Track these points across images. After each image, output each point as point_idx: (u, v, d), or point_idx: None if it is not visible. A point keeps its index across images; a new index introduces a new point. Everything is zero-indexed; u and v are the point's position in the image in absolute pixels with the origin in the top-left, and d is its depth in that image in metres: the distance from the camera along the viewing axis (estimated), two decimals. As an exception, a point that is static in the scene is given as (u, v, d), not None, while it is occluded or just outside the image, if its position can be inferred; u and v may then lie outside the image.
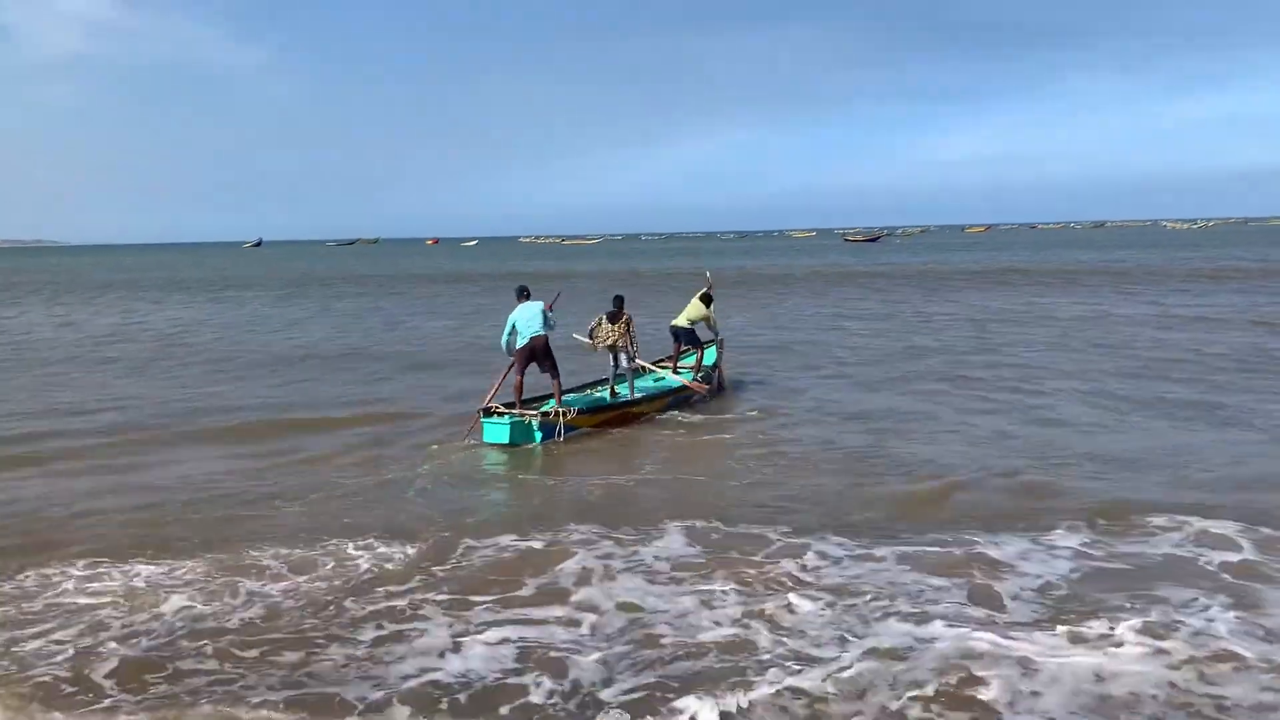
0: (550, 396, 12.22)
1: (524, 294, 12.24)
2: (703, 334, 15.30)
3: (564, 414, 11.75)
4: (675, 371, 14.64)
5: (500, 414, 11.68)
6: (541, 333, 11.88)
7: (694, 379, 14.24)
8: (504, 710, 5.33)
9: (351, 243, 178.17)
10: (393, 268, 68.50)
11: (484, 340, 22.52)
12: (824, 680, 5.47)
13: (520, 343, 11.92)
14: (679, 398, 13.80)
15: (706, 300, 15.39)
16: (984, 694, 5.32)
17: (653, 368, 14.37)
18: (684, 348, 15.13)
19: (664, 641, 6.07)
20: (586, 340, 13.39)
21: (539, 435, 11.67)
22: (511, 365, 12.11)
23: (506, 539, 8.06)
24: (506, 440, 11.52)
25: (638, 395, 13.23)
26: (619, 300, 13.48)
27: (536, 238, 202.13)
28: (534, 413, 11.73)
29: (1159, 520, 8.13)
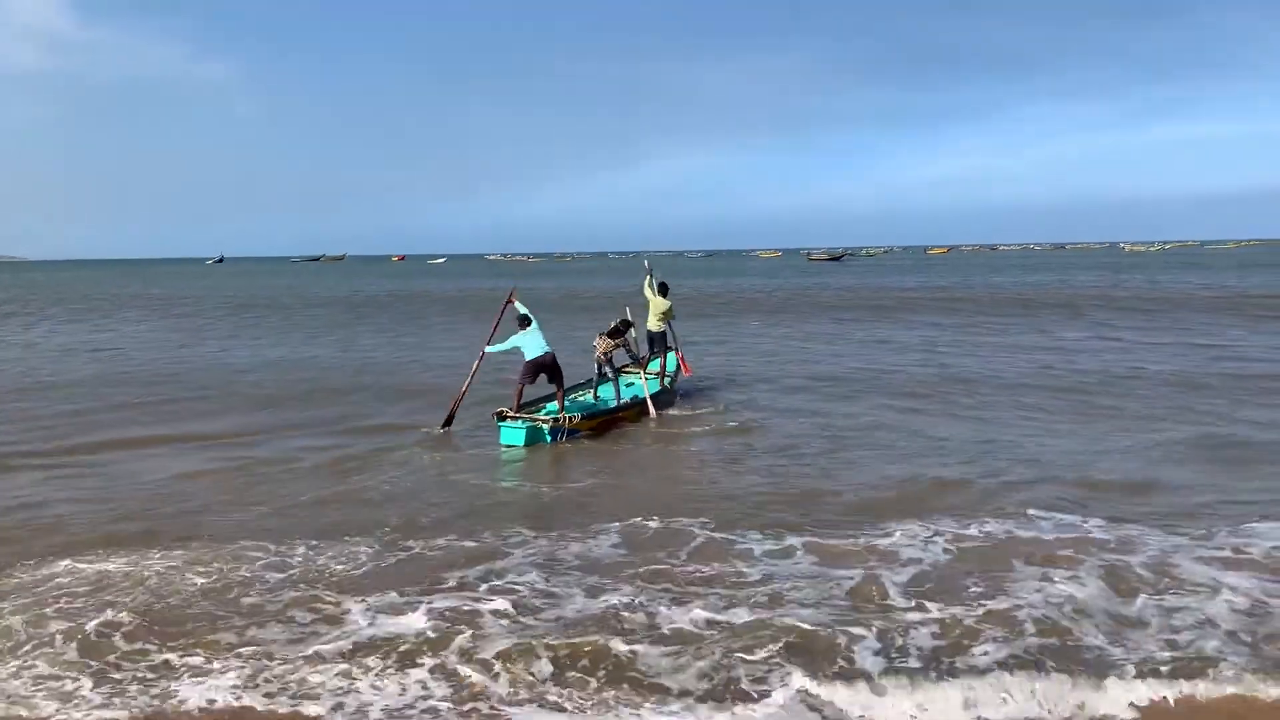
0: (545, 400, 13.98)
1: (525, 322, 13.60)
2: (667, 330, 16.00)
3: (570, 420, 13.06)
4: (644, 377, 15.29)
5: (515, 418, 12.85)
6: (550, 349, 13.40)
7: (668, 384, 15.68)
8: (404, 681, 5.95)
9: (316, 259, 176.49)
10: (356, 286, 68.44)
11: (433, 359, 22.91)
12: (679, 653, 6.21)
13: (531, 355, 13.32)
14: (661, 402, 14.91)
15: (663, 289, 16.08)
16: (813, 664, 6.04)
17: (651, 373, 15.67)
18: (653, 352, 15.90)
19: (545, 623, 6.74)
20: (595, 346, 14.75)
21: (548, 438, 12.90)
22: (523, 373, 13.41)
23: (444, 539, 8.66)
24: (523, 442, 12.70)
25: (625, 401, 14.48)
26: (626, 324, 14.96)
27: (504, 255, 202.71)
28: (545, 418, 12.98)
29: (1038, 513, 9.11)
